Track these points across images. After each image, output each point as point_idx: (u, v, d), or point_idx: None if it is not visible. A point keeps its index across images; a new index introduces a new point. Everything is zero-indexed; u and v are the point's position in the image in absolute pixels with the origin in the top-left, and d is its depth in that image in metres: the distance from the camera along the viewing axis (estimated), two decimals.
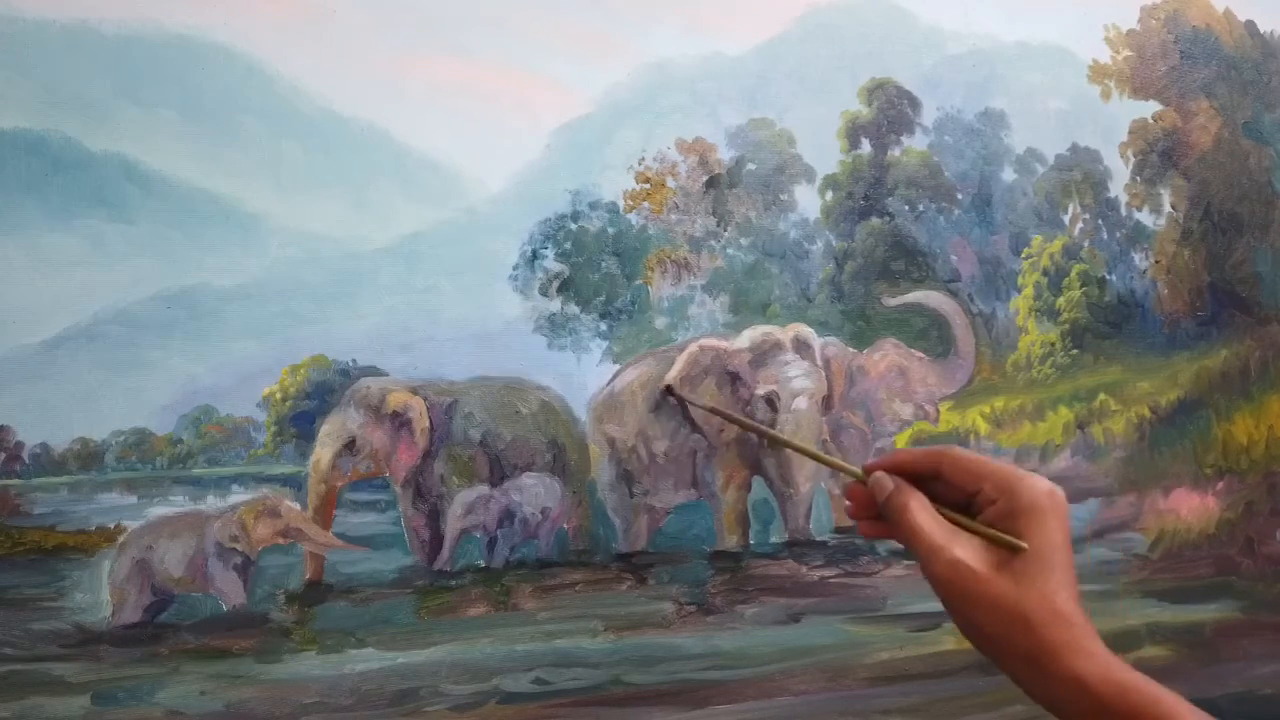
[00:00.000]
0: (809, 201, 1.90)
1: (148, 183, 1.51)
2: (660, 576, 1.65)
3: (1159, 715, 0.62)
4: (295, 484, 1.59)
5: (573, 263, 1.76)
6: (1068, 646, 0.65)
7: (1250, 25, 2.16)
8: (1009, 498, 0.69)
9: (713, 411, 1.43)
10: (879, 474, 0.74)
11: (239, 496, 1.56)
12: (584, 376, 1.74)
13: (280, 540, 1.53)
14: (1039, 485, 0.69)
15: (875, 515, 0.76)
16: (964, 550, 0.68)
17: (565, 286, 1.76)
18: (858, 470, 0.76)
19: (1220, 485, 1.93)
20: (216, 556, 1.50)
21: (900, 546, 0.75)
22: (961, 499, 0.72)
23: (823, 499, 1.78)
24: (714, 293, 1.83)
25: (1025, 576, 0.66)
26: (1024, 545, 0.67)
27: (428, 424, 1.66)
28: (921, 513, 0.71)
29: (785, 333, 1.77)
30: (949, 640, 1.66)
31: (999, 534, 0.68)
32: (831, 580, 1.70)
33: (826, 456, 0.80)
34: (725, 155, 1.84)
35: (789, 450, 1.73)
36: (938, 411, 1.86)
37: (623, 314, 1.81)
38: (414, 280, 1.61)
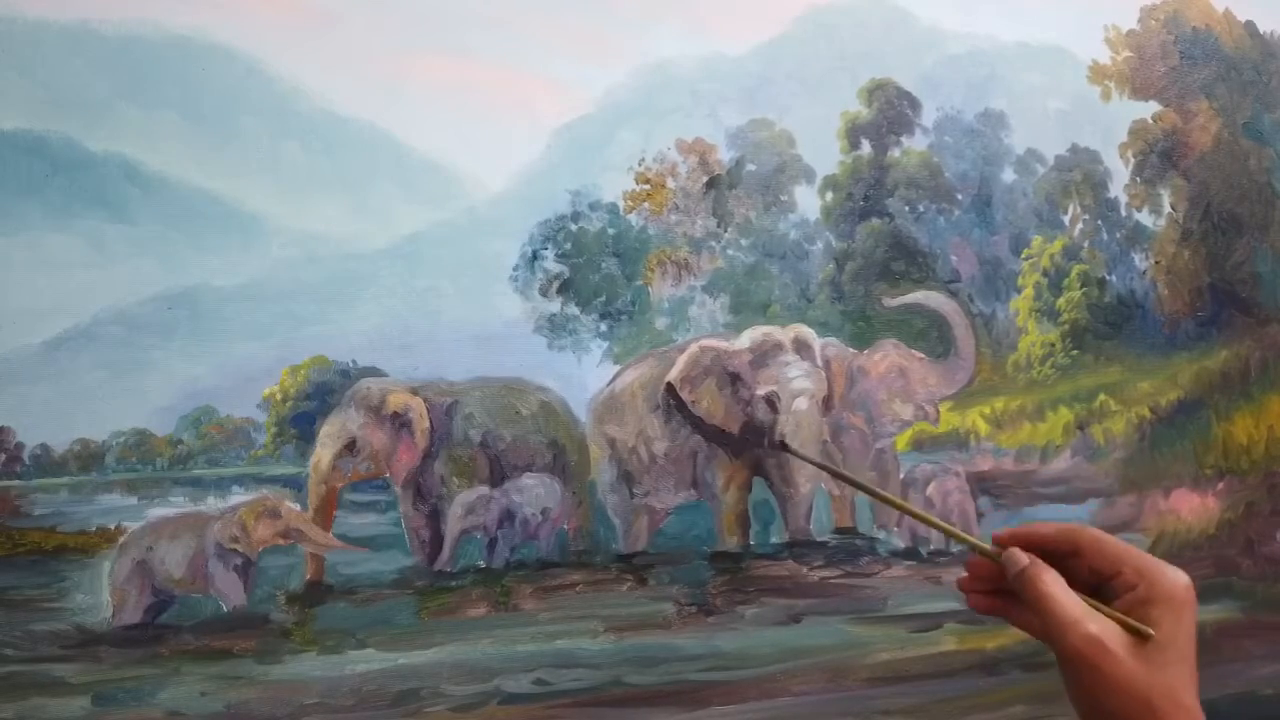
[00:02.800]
0: (809, 202, 1.90)
1: (148, 183, 1.51)
2: (661, 577, 1.65)
3: None
4: (295, 485, 1.59)
5: (573, 263, 1.76)
6: None
7: (1250, 25, 2.16)
8: (1148, 585, 0.70)
9: (823, 468, 1.38)
10: (1014, 550, 0.74)
11: (239, 497, 1.56)
12: (584, 377, 1.74)
13: (280, 541, 1.53)
14: (1180, 577, 0.71)
15: (993, 591, 0.77)
16: (1099, 627, 0.68)
17: (565, 287, 1.76)
18: (986, 547, 0.76)
19: (1220, 485, 1.93)
20: (217, 557, 1.50)
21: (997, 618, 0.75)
22: (1092, 581, 0.72)
23: (823, 500, 1.78)
24: (714, 293, 1.83)
25: (1155, 664, 0.67)
26: (1151, 633, 0.68)
27: (428, 425, 1.66)
28: (1057, 585, 0.71)
29: (785, 333, 1.77)
30: (949, 641, 1.66)
31: (1129, 620, 0.69)
32: (832, 581, 1.70)
33: (958, 531, 0.80)
34: (725, 156, 1.84)
35: (797, 446, 1.73)
36: (938, 412, 1.86)
37: (623, 315, 1.81)
38: (414, 281, 1.61)
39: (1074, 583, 0.72)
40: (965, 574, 0.79)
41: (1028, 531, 0.76)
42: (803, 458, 1.64)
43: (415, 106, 1.63)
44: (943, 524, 0.81)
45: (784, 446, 1.68)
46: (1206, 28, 2.13)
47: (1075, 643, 0.68)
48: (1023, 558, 0.73)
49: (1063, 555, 0.74)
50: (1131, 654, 0.67)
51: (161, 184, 1.51)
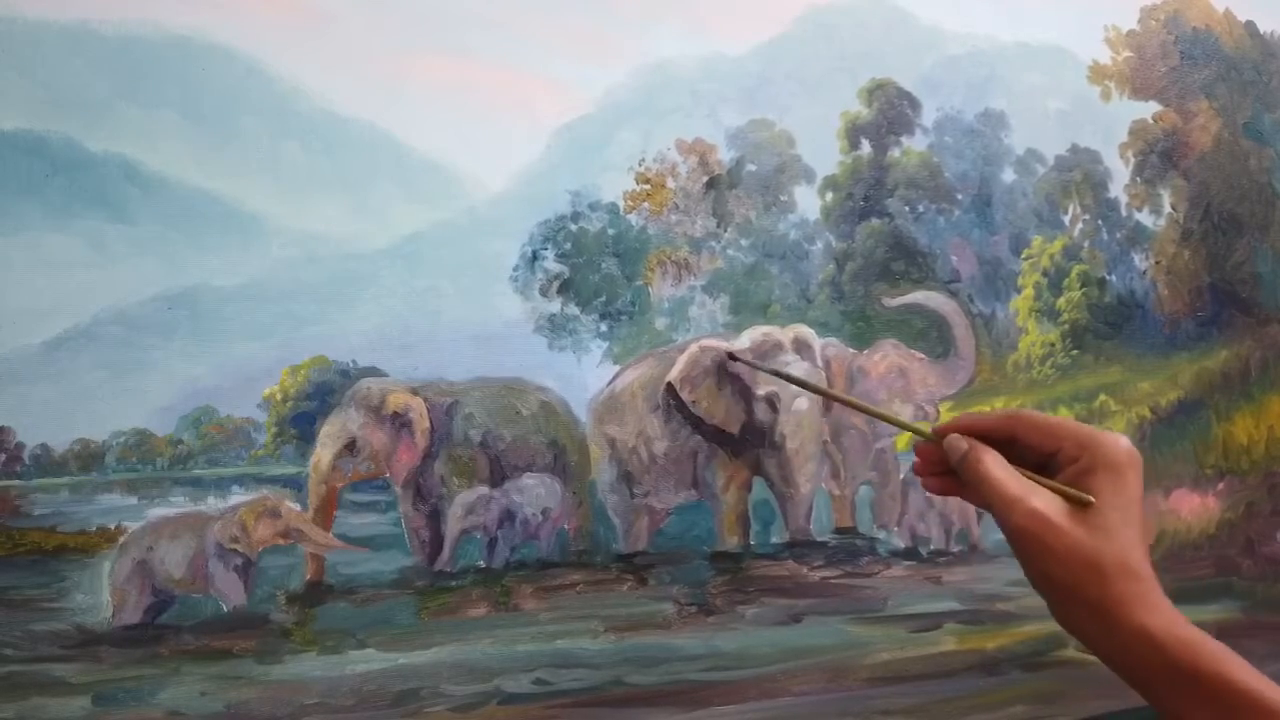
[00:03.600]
0: (809, 202, 1.90)
1: (148, 183, 1.51)
2: (661, 577, 1.65)
3: (1220, 672, 0.63)
4: (296, 485, 1.59)
5: (573, 263, 1.76)
6: (1137, 599, 0.67)
7: (1250, 26, 2.16)
8: (1089, 454, 0.71)
9: (774, 374, 1.38)
10: (954, 435, 0.76)
11: (239, 497, 1.56)
12: (584, 377, 1.74)
13: (281, 541, 1.53)
14: (1119, 442, 0.71)
15: (944, 473, 0.79)
16: (1041, 501, 0.70)
17: (565, 287, 1.76)
18: (928, 431, 0.79)
19: (1221, 486, 1.93)
20: (217, 557, 1.50)
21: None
22: (1036, 460, 0.74)
23: (823, 499, 1.78)
24: (714, 293, 1.83)
25: (1100, 530, 0.68)
26: (1090, 499, 0.68)
27: (428, 425, 1.66)
28: (997, 467, 0.72)
29: (785, 333, 1.77)
30: (950, 641, 1.66)
31: (1069, 489, 0.70)
32: (832, 581, 1.70)
33: (894, 416, 0.85)
34: (725, 156, 1.84)
35: (798, 446, 1.73)
36: (938, 412, 1.86)
37: (623, 315, 1.81)
38: (414, 281, 1.61)
39: (1017, 463, 0.73)
40: (916, 461, 0.82)
41: (967, 420, 0.79)
42: (756, 366, 1.63)
43: (415, 106, 1.63)
44: (879, 410, 0.84)
45: (731, 357, 1.66)
46: (1207, 28, 2.13)
47: (1018, 519, 0.69)
48: (962, 443, 0.76)
49: (1003, 441, 0.75)
50: (1075, 523, 0.68)
51: (161, 184, 1.51)
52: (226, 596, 1.50)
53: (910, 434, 1.93)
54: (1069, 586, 0.68)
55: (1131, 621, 0.66)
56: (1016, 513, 0.69)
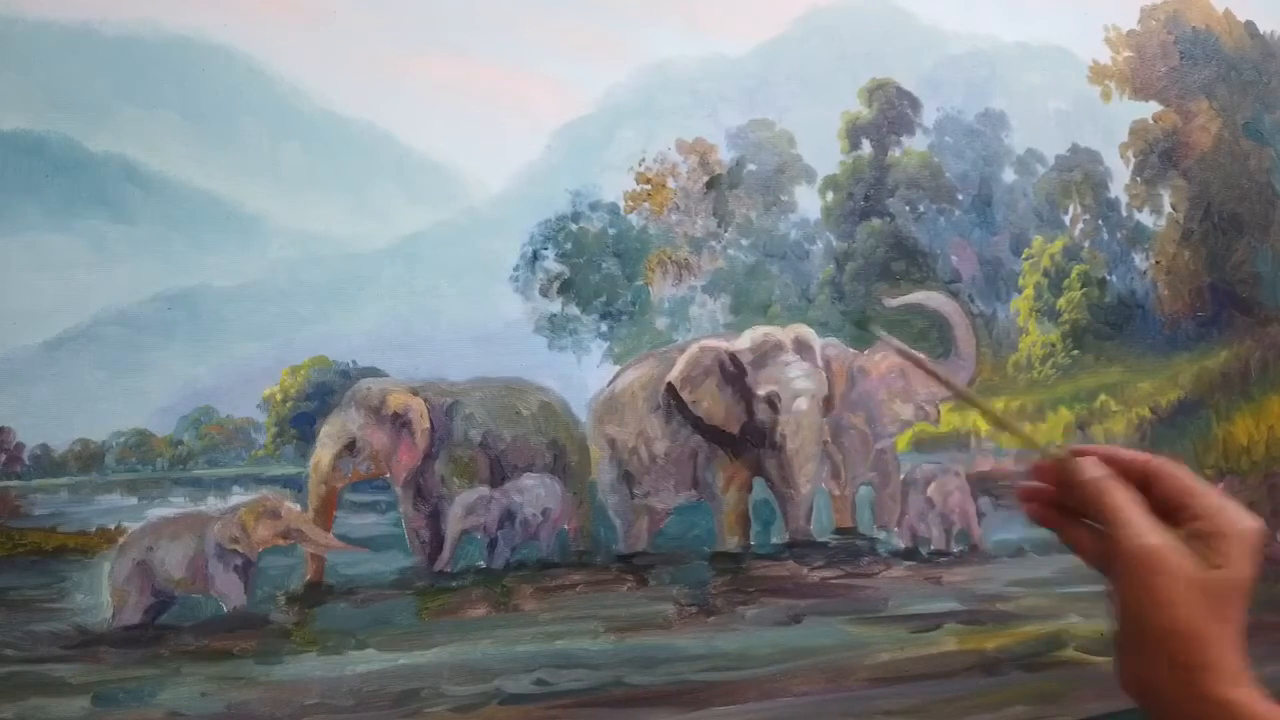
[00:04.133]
0: (809, 202, 1.90)
1: (148, 184, 1.51)
2: (661, 577, 1.65)
3: None
4: (296, 485, 1.59)
5: (573, 263, 1.76)
6: (1227, 671, 0.64)
7: (1250, 26, 2.16)
8: (1216, 519, 0.68)
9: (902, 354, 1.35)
10: (1090, 459, 0.72)
11: (239, 498, 1.56)
12: (584, 377, 1.74)
13: (281, 541, 1.53)
14: (1251, 521, 0.69)
15: (1051, 501, 0.74)
16: (1161, 540, 0.66)
17: (566, 287, 1.76)
18: (1061, 451, 0.73)
19: (1221, 486, 1.93)
20: (217, 558, 1.50)
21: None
22: (1164, 513, 0.70)
23: (823, 500, 1.78)
24: (715, 293, 1.83)
25: (1213, 593, 0.65)
26: (1217, 563, 0.66)
27: (428, 425, 1.66)
28: (1130, 501, 0.69)
29: (786, 333, 1.77)
30: (949, 641, 1.66)
31: (1201, 548, 0.67)
32: (832, 581, 1.70)
33: (1019, 428, 0.79)
34: (725, 156, 1.84)
35: (798, 447, 1.73)
36: (938, 412, 1.86)
37: (623, 315, 1.81)
38: (414, 281, 1.61)
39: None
40: (1024, 483, 0.76)
41: (1107, 450, 0.74)
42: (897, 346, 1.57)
43: (415, 107, 1.63)
44: (1011, 422, 0.77)
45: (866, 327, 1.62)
46: (1207, 28, 2.13)
47: (1136, 548, 0.66)
48: (1096, 468, 0.71)
49: (1136, 483, 0.71)
50: (1189, 575, 0.65)
51: (161, 184, 1.51)
52: (227, 597, 1.50)
53: (908, 435, 1.94)
54: (1159, 637, 0.65)
55: (1216, 691, 0.64)
56: (1137, 541, 0.66)
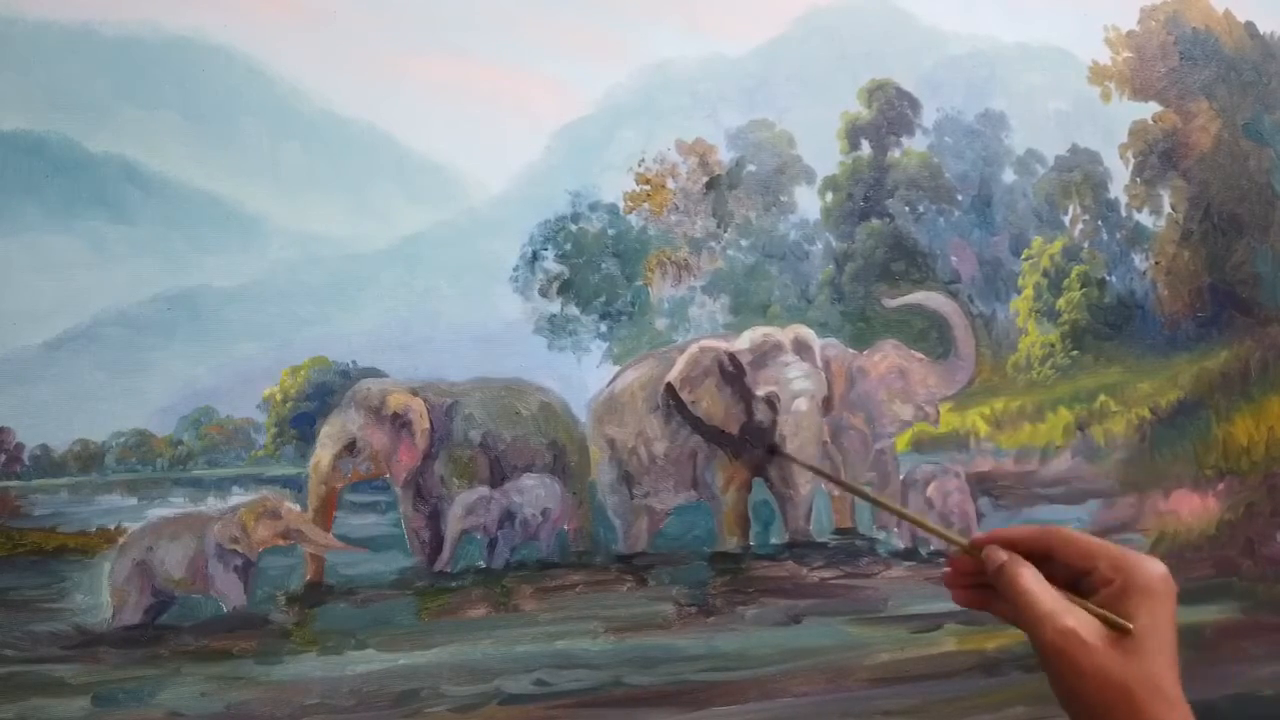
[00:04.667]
0: (809, 203, 1.90)
1: (148, 184, 1.51)
2: (661, 578, 1.65)
3: None
4: (295, 485, 1.59)
5: (573, 264, 1.76)
6: (1167, 716, 0.66)
7: (1250, 26, 2.16)
8: (1124, 577, 0.70)
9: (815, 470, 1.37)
10: (992, 546, 0.76)
11: (239, 498, 1.56)
12: (584, 377, 1.74)
13: (280, 542, 1.53)
14: (1155, 568, 0.70)
15: (973, 585, 0.79)
16: (1075, 620, 0.69)
17: (565, 288, 1.76)
18: (964, 541, 0.79)
19: (1221, 486, 1.93)
20: (217, 558, 1.50)
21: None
22: (1070, 578, 0.73)
23: (823, 500, 1.78)
24: (714, 294, 1.83)
25: (1133, 654, 0.67)
26: (1130, 626, 0.68)
27: (428, 425, 1.66)
28: (1035, 582, 0.72)
29: (785, 334, 1.77)
30: (949, 641, 1.66)
31: (1107, 613, 0.69)
32: (832, 581, 1.70)
33: (933, 525, 0.85)
34: (725, 156, 1.84)
35: (798, 447, 1.73)
36: (938, 412, 1.86)
37: (623, 315, 1.81)
38: (414, 281, 1.61)
39: (1053, 580, 0.73)
40: (947, 570, 0.81)
41: (1004, 533, 0.78)
42: (797, 461, 1.64)
43: (415, 107, 1.63)
44: (924, 521, 0.84)
45: (773, 450, 1.68)
46: (1206, 28, 2.13)
47: (1051, 636, 0.69)
48: (1000, 554, 0.75)
49: (1039, 556, 0.75)
50: (1108, 645, 0.68)
51: (161, 185, 1.51)
52: (226, 597, 1.50)
53: (907, 436, 1.94)
54: (1098, 708, 0.67)
55: None
56: (1049, 629, 0.68)
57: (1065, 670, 0.69)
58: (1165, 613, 0.69)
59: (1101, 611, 0.69)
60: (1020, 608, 0.72)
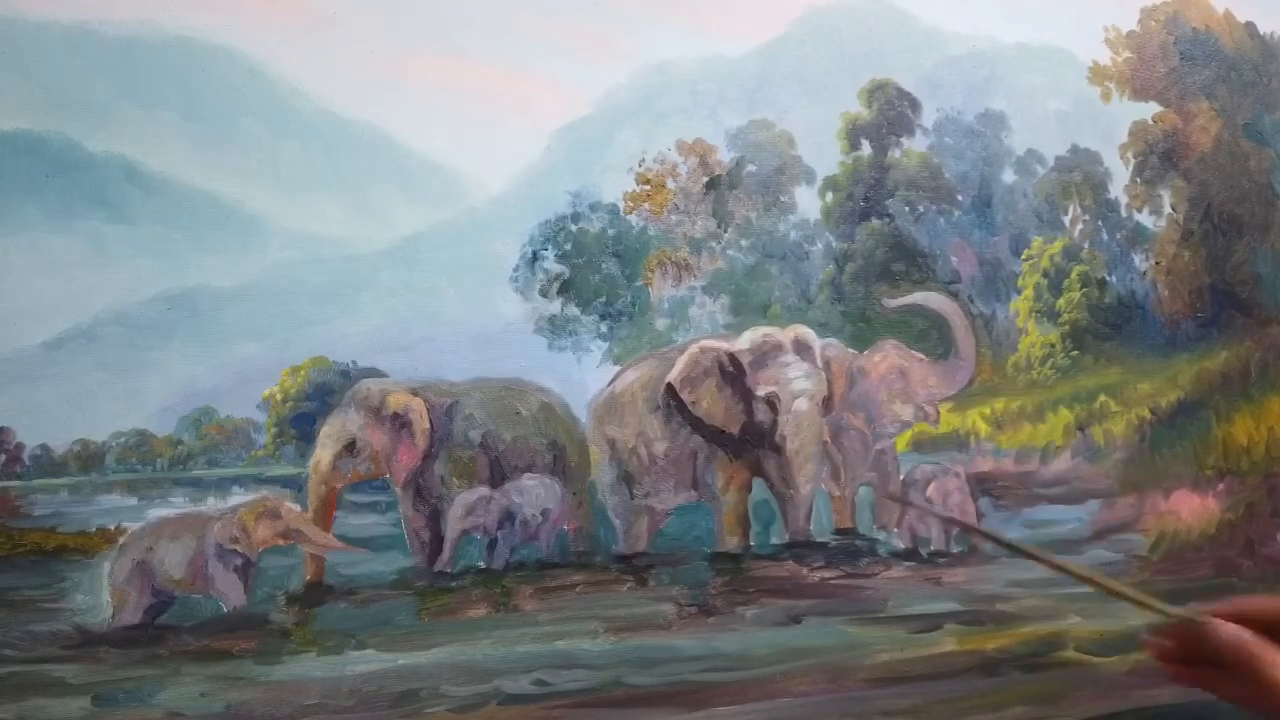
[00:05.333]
0: (809, 203, 1.90)
1: (148, 184, 1.51)
2: (661, 578, 1.65)
3: None
4: (295, 485, 1.59)
5: (573, 264, 1.77)
6: None
7: (1250, 27, 2.16)
8: None
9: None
10: (1219, 620, 0.70)
11: (239, 498, 1.56)
12: (584, 378, 1.74)
13: (280, 542, 1.53)
14: None
15: (1189, 659, 0.72)
16: None
17: (566, 288, 1.76)
18: (1185, 613, 0.72)
19: (1221, 486, 1.93)
20: (217, 558, 1.50)
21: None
22: None
23: (823, 500, 1.78)
24: (714, 294, 1.83)
25: None
26: None
27: (428, 425, 1.66)
28: (1272, 652, 0.67)
29: (785, 334, 1.77)
30: (949, 641, 1.66)
31: None
32: (832, 582, 1.70)
33: (1153, 601, 0.75)
34: (725, 157, 1.84)
35: (798, 447, 1.73)
36: (938, 412, 1.86)
37: (623, 315, 1.81)
38: (414, 281, 1.61)
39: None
40: (1157, 646, 0.74)
41: (1236, 607, 0.72)
42: (978, 531, 1.57)
43: (415, 108, 1.63)
44: (1141, 597, 0.75)
45: (906, 501, 1.66)
46: (1207, 29, 2.13)
47: None
48: (1232, 628, 0.70)
49: (1273, 629, 0.70)
50: None
51: (161, 184, 1.51)
52: (226, 597, 1.50)
53: (907, 435, 1.94)
54: None
55: None
56: None
57: None
58: None
59: None
60: (1261, 679, 0.67)
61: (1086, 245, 2.02)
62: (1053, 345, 1.98)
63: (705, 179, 1.83)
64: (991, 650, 1.68)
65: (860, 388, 1.83)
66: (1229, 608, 0.71)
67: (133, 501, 1.53)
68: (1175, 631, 0.73)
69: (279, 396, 1.57)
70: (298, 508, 1.56)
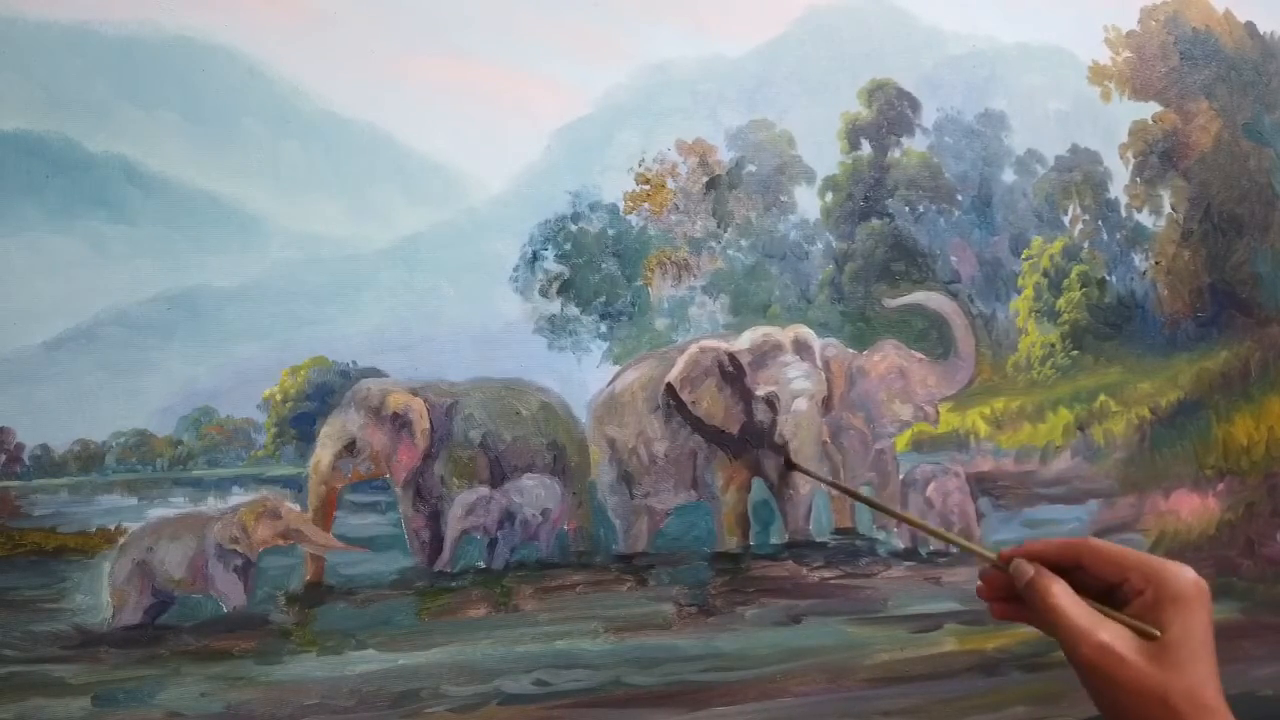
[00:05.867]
0: (809, 203, 1.90)
1: (148, 184, 1.51)
2: (661, 578, 1.65)
3: None
4: (295, 485, 1.59)
5: (573, 264, 1.76)
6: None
7: (1250, 26, 2.16)
8: (1156, 587, 0.70)
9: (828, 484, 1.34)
10: (1019, 560, 0.76)
11: (239, 498, 1.56)
12: (584, 377, 1.74)
13: (280, 542, 1.53)
14: (1185, 575, 0.71)
15: (1008, 598, 0.78)
16: (1110, 634, 0.69)
17: (565, 288, 1.76)
18: (993, 555, 0.78)
19: (1221, 486, 1.93)
20: (217, 558, 1.50)
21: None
22: (1102, 589, 0.73)
23: (822, 500, 1.78)
24: (714, 294, 1.83)
25: (1171, 665, 0.67)
26: (1156, 633, 0.68)
27: (428, 425, 1.66)
28: (1065, 597, 0.72)
29: (785, 334, 1.77)
30: (949, 641, 1.66)
31: (1135, 622, 0.69)
32: (832, 581, 1.70)
33: (961, 540, 0.84)
34: (725, 156, 1.84)
35: (797, 447, 1.73)
36: (938, 413, 1.86)
37: (623, 315, 1.81)
38: (414, 281, 1.61)
39: (1082, 591, 0.73)
40: (980, 583, 0.80)
41: (1032, 546, 0.77)
42: (810, 474, 1.63)
43: (415, 107, 1.63)
44: (950, 535, 0.83)
45: (790, 465, 1.68)
46: (1207, 28, 2.13)
47: (1087, 652, 0.69)
48: (1028, 568, 0.75)
49: (1068, 567, 0.74)
50: (1144, 657, 0.67)
51: (161, 185, 1.51)
52: (227, 597, 1.50)
53: (907, 436, 1.94)
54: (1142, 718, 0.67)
55: None
56: (1085, 645, 0.69)
57: (1103, 685, 0.68)
58: (1200, 621, 0.69)
59: (1130, 621, 0.69)
60: (1052, 623, 0.71)
61: (1086, 245, 2.02)
62: (1053, 345, 1.98)
63: (705, 179, 1.83)
64: (991, 650, 1.68)
65: (860, 388, 1.83)
66: (1028, 547, 0.78)
67: (133, 501, 1.53)
68: (991, 574, 0.79)
69: (279, 396, 1.57)
70: (298, 508, 1.56)
